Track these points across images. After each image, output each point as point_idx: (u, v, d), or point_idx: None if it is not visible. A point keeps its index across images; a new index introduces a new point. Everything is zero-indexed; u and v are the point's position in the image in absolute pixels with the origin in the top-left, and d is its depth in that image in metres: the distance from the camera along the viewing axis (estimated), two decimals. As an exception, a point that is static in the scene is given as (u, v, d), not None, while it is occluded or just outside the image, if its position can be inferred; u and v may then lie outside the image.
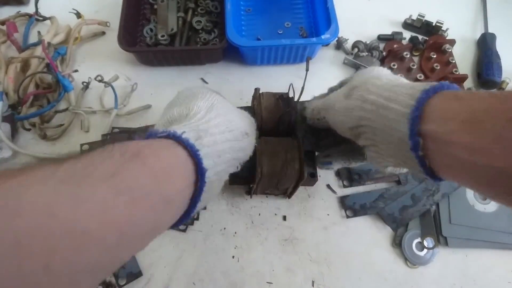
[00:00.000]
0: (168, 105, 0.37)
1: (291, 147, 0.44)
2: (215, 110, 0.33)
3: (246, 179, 0.49)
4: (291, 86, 0.47)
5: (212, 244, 0.49)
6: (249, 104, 0.60)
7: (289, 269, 0.48)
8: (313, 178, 0.47)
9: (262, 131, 0.46)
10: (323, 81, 0.62)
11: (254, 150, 0.42)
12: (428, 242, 0.48)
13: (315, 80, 0.62)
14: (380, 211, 0.50)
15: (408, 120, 0.27)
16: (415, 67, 0.61)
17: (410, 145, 0.27)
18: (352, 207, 0.51)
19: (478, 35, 0.67)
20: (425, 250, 0.48)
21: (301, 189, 0.51)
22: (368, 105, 0.32)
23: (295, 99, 0.47)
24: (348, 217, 0.51)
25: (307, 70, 0.45)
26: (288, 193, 0.49)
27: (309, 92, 0.60)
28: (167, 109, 0.36)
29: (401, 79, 0.34)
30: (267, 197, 0.52)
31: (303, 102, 0.48)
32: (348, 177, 0.53)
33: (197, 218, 0.50)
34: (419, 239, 0.48)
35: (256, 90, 0.49)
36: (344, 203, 0.51)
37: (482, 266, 0.49)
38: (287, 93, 0.48)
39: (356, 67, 0.62)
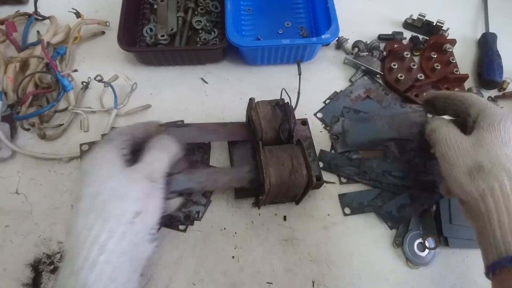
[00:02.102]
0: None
1: (296, 154, 0.43)
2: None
3: (254, 192, 0.49)
4: (283, 91, 0.47)
5: (212, 245, 0.48)
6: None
7: (289, 269, 0.48)
8: (319, 182, 0.47)
9: (263, 141, 0.46)
10: (324, 81, 0.62)
11: (259, 160, 0.42)
12: (429, 242, 0.48)
13: (315, 80, 0.62)
14: (378, 209, 0.50)
15: (495, 260, 0.31)
16: (415, 67, 0.61)
17: (485, 270, 0.33)
18: (350, 205, 0.51)
19: (479, 35, 0.67)
20: (427, 250, 0.48)
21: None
22: (483, 206, 0.33)
23: (291, 104, 0.47)
24: (345, 214, 0.51)
25: (299, 74, 0.45)
26: (296, 199, 0.49)
27: (310, 93, 0.61)
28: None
29: None
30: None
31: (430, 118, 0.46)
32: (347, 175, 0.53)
33: (198, 218, 0.50)
34: (420, 240, 0.48)
35: (251, 100, 0.49)
36: (343, 200, 0.51)
37: (483, 266, 0.49)
38: (282, 99, 0.48)
39: (357, 67, 0.62)
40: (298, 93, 0.45)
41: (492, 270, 0.32)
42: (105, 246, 0.30)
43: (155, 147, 0.39)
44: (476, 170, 0.34)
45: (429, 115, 0.48)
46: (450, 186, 0.38)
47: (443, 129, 0.40)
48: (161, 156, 0.39)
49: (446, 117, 0.44)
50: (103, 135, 0.54)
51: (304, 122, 0.56)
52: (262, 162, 0.42)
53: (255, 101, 0.49)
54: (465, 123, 0.40)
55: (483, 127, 0.37)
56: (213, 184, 0.44)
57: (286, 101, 0.48)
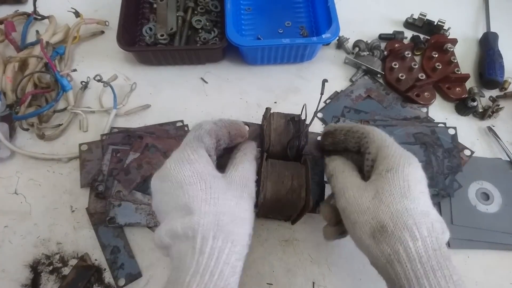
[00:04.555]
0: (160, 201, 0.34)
1: (298, 174, 0.41)
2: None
3: None
4: (304, 107, 0.44)
5: (212, 245, 0.48)
6: (249, 104, 0.59)
7: (289, 270, 0.47)
8: (318, 207, 0.43)
9: (269, 154, 0.44)
10: (324, 81, 0.62)
11: (259, 172, 0.40)
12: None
13: (316, 80, 0.62)
14: None
15: None
16: (416, 66, 0.60)
17: None
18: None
19: (480, 34, 0.66)
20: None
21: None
22: (392, 272, 0.31)
23: (306, 121, 0.45)
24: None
25: (321, 94, 0.41)
26: (291, 220, 0.48)
27: (310, 93, 0.60)
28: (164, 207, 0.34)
29: (436, 256, 0.30)
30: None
31: (326, 158, 0.43)
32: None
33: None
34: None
35: (267, 109, 0.47)
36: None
37: (484, 267, 0.48)
38: (299, 115, 0.46)
39: (357, 67, 0.62)
40: (315, 112, 0.42)
41: None
42: (235, 267, 0.31)
43: (247, 160, 0.38)
44: (379, 231, 0.32)
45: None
46: (356, 244, 0.36)
47: (341, 175, 0.38)
48: (253, 171, 0.38)
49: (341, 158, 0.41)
50: (102, 135, 0.53)
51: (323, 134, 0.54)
52: (262, 175, 0.40)
53: (271, 111, 0.47)
54: (363, 160, 0.38)
55: (381, 174, 0.34)
56: None
57: (302, 118, 0.46)
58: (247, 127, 0.42)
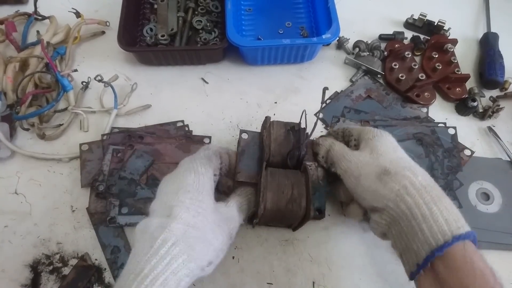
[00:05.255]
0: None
1: (299, 183, 0.41)
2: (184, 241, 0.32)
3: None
4: (303, 114, 0.44)
5: (212, 245, 0.48)
6: (249, 105, 0.59)
7: (289, 270, 0.47)
8: (320, 214, 0.43)
9: (269, 163, 0.44)
10: (324, 81, 0.62)
11: (259, 182, 0.41)
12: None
13: (316, 80, 0.62)
14: None
15: (428, 253, 0.31)
16: (416, 66, 0.60)
17: (415, 268, 0.33)
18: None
19: (480, 35, 0.66)
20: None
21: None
22: (403, 205, 0.34)
23: (306, 130, 0.45)
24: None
25: (322, 102, 0.42)
26: (293, 227, 0.47)
27: (310, 93, 0.60)
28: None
29: (435, 188, 0.35)
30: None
31: (319, 138, 0.47)
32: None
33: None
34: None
35: (267, 118, 0.47)
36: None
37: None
38: (299, 124, 0.46)
39: (357, 67, 0.62)
40: (316, 122, 0.42)
41: (423, 265, 0.32)
42: (181, 282, 0.31)
43: (242, 195, 0.42)
44: (384, 173, 0.36)
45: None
46: (361, 200, 0.39)
47: (337, 146, 0.43)
48: (245, 208, 0.41)
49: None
50: (103, 135, 0.53)
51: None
52: (262, 185, 0.40)
53: (270, 120, 0.47)
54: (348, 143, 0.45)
55: (370, 139, 0.41)
56: None
57: (302, 126, 0.45)
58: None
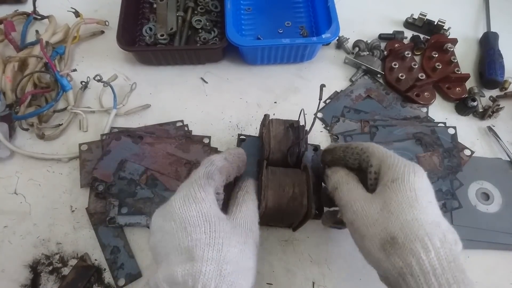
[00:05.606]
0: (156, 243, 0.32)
1: (299, 181, 0.41)
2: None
3: None
4: (302, 112, 0.44)
5: (212, 245, 0.48)
6: (249, 104, 0.59)
7: (289, 270, 0.47)
8: (320, 213, 0.43)
9: (269, 161, 0.44)
10: (324, 81, 0.62)
11: (260, 181, 0.40)
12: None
13: (316, 80, 0.62)
14: None
15: None
16: (416, 66, 0.60)
17: None
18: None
19: (480, 34, 0.66)
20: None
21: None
22: (404, 286, 0.29)
23: (306, 127, 0.44)
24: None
25: (320, 99, 0.41)
26: (293, 226, 0.47)
27: (310, 93, 0.60)
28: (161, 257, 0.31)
29: (451, 267, 0.28)
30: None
31: (327, 169, 0.42)
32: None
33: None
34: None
35: (266, 116, 0.47)
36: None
37: (485, 267, 0.48)
38: (298, 121, 0.46)
39: (357, 67, 0.62)
40: (314, 118, 0.41)
41: None
42: None
43: (249, 199, 0.37)
44: (389, 243, 0.31)
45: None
46: (365, 258, 0.35)
47: (345, 186, 0.37)
48: (256, 211, 0.37)
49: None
50: (102, 135, 0.53)
51: (316, 148, 0.54)
52: (263, 183, 0.40)
53: (269, 118, 0.47)
54: (366, 174, 0.37)
55: (387, 185, 0.33)
56: None
57: (301, 124, 0.45)
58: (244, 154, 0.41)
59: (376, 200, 0.33)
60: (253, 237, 0.34)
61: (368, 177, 0.36)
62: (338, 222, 0.40)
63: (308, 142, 0.55)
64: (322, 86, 0.42)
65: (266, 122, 0.46)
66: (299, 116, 0.45)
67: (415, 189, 0.32)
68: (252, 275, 0.32)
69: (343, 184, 0.37)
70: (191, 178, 0.34)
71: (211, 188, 0.33)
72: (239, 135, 0.53)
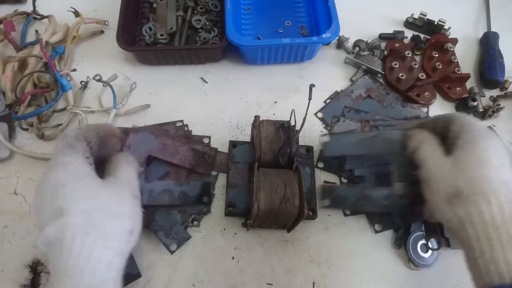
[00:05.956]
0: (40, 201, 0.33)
1: (291, 182, 0.41)
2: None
3: (243, 212, 0.48)
4: (292, 113, 0.44)
5: (212, 245, 0.48)
6: (249, 104, 0.59)
7: (289, 270, 0.47)
8: (313, 214, 0.44)
9: (261, 162, 0.44)
10: (324, 81, 0.62)
11: (252, 182, 0.40)
12: (432, 243, 0.47)
13: (316, 80, 0.61)
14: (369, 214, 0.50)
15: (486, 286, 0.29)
16: (416, 66, 0.60)
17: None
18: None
19: (480, 34, 0.66)
20: (430, 251, 0.47)
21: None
22: (464, 234, 0.32)
23: (296, 127, 0.44)
24: (346, 215, 0.50)
25: (309, 99, 0.42)
26: (287, 227, 0.47)
27: (312, 94, 0.60)
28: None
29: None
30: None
31: (411, 130, 0.43)
32: (348, 176, 0.52)
33: (198, 219, 0.49)
34: (423, 241, 0.48)
35: (256, 118, 0.47)
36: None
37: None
38: (288, 121, 0.46)
39: (358, 66, 0.62)
40: (304, 118, 0.42)
41: None
42: (112, 264, 0.31)
43: (126, 162, 0.39)
44: (454, 196, 0.33)
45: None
46: (433, 211, 0.37)
47: (425, 147, 0.39)
48: (133, 172, 0.39)
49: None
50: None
51: (309, 149, 0.54)
52: (254, 185, 0.40)
53: (260, 119, 0.47)
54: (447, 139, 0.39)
55: (462, 146, 0.35)
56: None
57: (292, 124, 0.45)
58: (117, 128, 0.42)
59: (450, 159, 0.36)
60: (129, 190, 0.36)
61: (448, 138, 0.38)
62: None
63: (307, 143, 0.55)
64: (312, 86, 0.42)
65: (257, 123, 0.46)
66: (290, 117, 0.45)
67: (488, 151, 0.34)
68: (128, 220, 0.33)
69: (425, 143, 0.39)
70: (54, 152, 0.35)
71: (76, 154, 0.34)
72: (231, 141, 0.54)
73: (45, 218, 0.31)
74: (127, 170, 0.38)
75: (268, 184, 0.40)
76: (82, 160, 0.34)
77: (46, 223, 0.31)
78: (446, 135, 0.39)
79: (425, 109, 0.58)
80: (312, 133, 0.56)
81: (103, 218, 0.31)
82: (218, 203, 0.51)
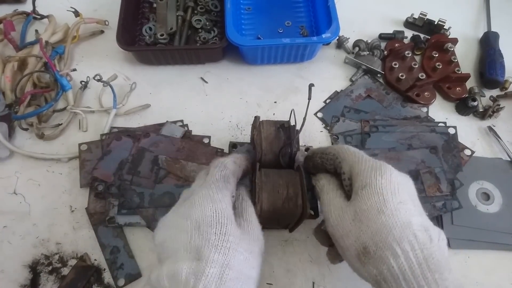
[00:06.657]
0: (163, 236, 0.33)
1: (293, 181, 0.41)
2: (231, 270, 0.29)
3: None
4: (292, 112, 0.44)
5: (212, 245, 0.48)
6: (249, 104, 0.59)
7: (289, 270, 0.47)
8: (314, 214, 0.43)
9: (262, 163, 0.44)
10: (324, 81, 0.62)
11: (254, 183, 0.39)
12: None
13: (315, 80, 0.62)
14: None
15: None
16: (416, 66, 0.60)
17: None
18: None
19: (481, 34, 0.66)
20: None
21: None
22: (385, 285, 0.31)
23: (297, 127, 0.44)
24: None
25: (309, 99, 0.41)
26: (290, 227, 0.47)
27: (312, 94, 0.60)
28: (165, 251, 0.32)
29: (424, 268, 0.29)
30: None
31: (314, 177, 0.42)
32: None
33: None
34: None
35: (256, 118, 0.46)
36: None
37: (485, 267, 0.48)
38: (288, 121, 0.46)
39: (357, 66, 0.62)
40: (304, 118, 0.41)
41: None
42: None
43: (248, 204, 0.38)
44: (363, 253, 0.32)
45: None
46: (350, 265, 0.36)
47: (325, 198, 0.37)
48: (257, 217, 0.37)
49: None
50: (102, 135, 0.53)
51: (308, 149, 0.53)
52: (257, 186, 0.40)
53: (260, 120, 0.46)
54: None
55: (358, 192, 0.34)
56: None
57: (292, 124, 0.45)
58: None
59: (349, 209, 0.34)
60: (259, 246, 0.34)
61: (343, 184, 0.37)
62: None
63: (307, 144, 0.55)
64: (311, 85, 0.42)
65: (257, 124, 0.46)
66: (290, 117, 0.45)
67: (383, 193, 0.32)
68: (254, 285, 0.32)
69: (324, 193, 0.38)
70: (209, 181, 0.34)
71: (227, 191, 0.34)
72: (231, 142, 0.53)
73: (176, 251, 0.30)
74: (255, 220, 0.36)
75: (270, 184, 0.40)
76: (229, 201, 0.34)
77: (177, 258, 0.30)
78: (340, 176, 0.37)
79: (425, 109, 0.58)
80: (312, 133, 0.56)
81: (234, 278, 0.30)
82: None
